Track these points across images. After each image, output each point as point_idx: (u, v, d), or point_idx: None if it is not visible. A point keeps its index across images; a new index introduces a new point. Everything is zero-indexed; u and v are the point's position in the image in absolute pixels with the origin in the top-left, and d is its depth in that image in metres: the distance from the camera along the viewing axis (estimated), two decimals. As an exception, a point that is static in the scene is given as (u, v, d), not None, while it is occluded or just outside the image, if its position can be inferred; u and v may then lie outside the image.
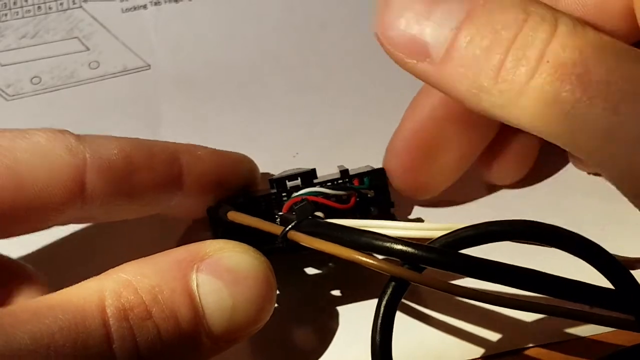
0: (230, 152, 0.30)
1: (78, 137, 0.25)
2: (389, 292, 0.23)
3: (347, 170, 0.29)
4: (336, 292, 0.30)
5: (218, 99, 0.37)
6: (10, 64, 0.39)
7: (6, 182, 0.24)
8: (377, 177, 0.29)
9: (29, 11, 0.40)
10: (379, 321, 0.23)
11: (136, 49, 0.39)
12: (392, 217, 0.29)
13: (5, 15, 0.40)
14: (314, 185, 0.29)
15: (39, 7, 0.40)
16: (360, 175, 0.29)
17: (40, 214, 0.25)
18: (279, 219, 0.28)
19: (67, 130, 0.26)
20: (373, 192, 0.29)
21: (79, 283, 0.22)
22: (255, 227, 0.26)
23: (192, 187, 0.28)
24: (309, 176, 0.29)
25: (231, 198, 0.29)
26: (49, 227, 0.26)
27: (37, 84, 0.39)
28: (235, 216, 0.27)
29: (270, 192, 0.29)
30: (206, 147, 0.29)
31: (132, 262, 0.23)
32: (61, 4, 0.41)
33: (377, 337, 0.23)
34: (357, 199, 0.29)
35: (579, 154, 0.21)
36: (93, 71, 0.39)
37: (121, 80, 0.38)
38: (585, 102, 0.19)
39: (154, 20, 0.40)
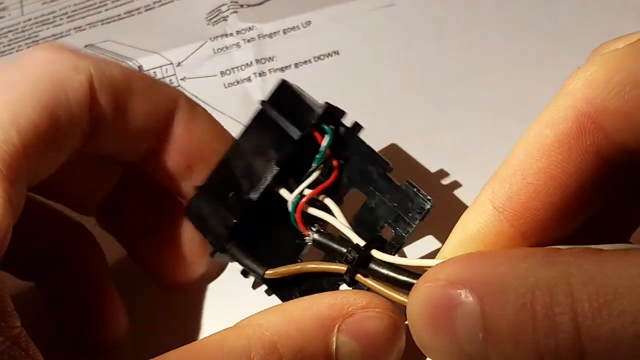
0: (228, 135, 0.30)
1: (79, 54, 0.27)
2: None
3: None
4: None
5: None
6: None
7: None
8: (330, 118, 0.28)
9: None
10: None
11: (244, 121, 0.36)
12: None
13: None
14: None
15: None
16: (315, 126, 0.28)
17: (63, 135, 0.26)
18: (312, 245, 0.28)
19: (65, 47, 0.27)
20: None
21: (219, 337, 0.22)
22: (310, 271, 0.27)
23: (173, 141, 0.28)
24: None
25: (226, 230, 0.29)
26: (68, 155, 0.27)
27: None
28: (276, 272, 0.28)
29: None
30: (206, 113, 0.29)
31: (273, 310, 0.23)
32: (158, 84, 0.38)
33: None
34: (332, 157, 0.28)
35: None
36: (200, 146, 0.35)
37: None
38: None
39: (260, 91, 0.37)
